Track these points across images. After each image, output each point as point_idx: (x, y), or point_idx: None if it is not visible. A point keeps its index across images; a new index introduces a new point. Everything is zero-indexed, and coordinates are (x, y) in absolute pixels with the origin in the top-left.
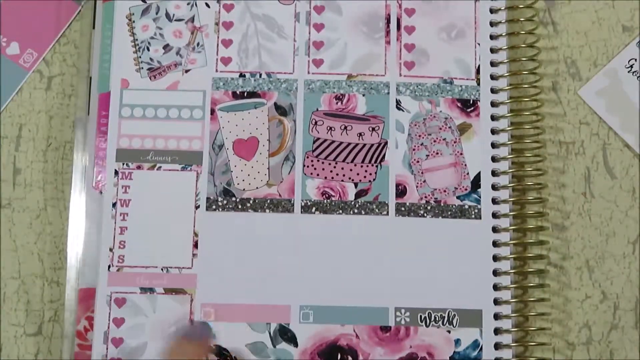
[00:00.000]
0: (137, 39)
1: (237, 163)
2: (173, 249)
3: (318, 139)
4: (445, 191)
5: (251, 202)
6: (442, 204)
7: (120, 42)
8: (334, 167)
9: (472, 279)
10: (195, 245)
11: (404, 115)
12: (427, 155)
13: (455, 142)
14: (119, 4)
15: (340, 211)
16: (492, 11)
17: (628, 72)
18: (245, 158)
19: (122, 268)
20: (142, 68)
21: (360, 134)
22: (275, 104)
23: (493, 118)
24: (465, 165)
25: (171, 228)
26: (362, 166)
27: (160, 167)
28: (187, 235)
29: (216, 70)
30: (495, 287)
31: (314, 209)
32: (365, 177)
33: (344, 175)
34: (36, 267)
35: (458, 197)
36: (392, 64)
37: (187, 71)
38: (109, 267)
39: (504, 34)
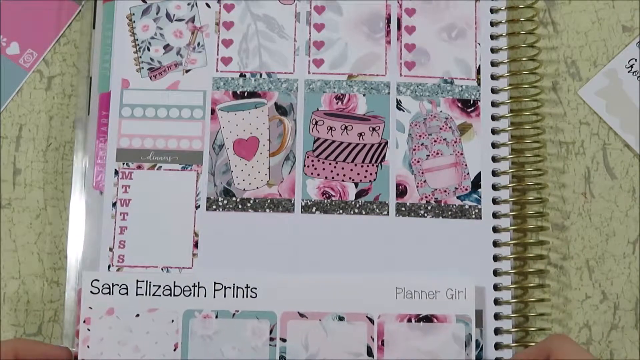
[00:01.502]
0: (137, 39)
1: (237, 163)
2: (173, 248)
3: (318, 138)
4: (445, 191)
5: (251, 202)
6: (442, 204)
7: (120, 42)
8: (335, 167)
9: (473, 279)
10: (195, 245)
11: (404, 115)
12: (428, 155)
13: (455, 142)
14: (120, 4)
15: (341, 211)
16: (492, 11)
17: (628, 72)
18: (246, 158)
19: (122, 268)
20: (143, 68)
21: (360, 134)
22: (275, 103)
23: (493, 118)
24: (466, 165)
25: (171, 228)
26: (362, 166)
27: (160, 167)
28: (187, 235)
29: (216, 70)
30: (496, 287)
31: (314, 209)
32: (365, 177)
33: (344, 175)
34: (36, 267)
35: (458, 197)
36: (392, 64)
37: (187, 71)
38: (109, 267)
39: (504, 34)
